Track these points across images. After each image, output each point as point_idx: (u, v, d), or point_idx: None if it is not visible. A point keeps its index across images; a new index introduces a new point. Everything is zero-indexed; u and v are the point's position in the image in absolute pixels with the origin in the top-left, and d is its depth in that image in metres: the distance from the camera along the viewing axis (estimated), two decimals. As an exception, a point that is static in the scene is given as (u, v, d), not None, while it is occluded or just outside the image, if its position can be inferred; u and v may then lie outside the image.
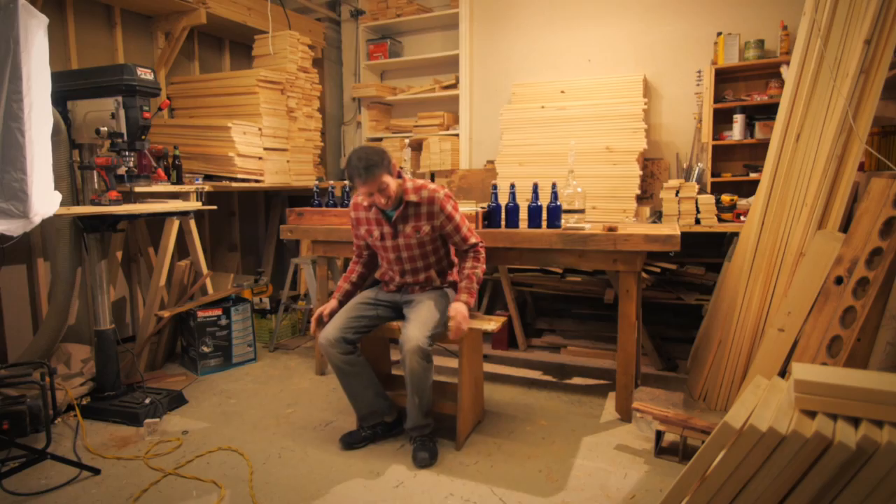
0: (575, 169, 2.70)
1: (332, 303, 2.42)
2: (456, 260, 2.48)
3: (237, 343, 3.38)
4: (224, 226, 4.45)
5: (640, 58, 3.74)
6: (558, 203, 2.72)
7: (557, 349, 3.59)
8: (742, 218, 3.06)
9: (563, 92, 3.73)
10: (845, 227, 2.36)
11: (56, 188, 2.13)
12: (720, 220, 3.14)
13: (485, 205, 2.95)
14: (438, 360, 3.48)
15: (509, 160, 3.73)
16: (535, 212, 2.76)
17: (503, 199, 2.81)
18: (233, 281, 3.75)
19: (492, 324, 2.45)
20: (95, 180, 2.73)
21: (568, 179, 2.68)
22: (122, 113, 2.62)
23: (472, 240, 2.35)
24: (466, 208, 2.89)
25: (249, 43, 4.20)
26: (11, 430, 2.17)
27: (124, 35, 3.69)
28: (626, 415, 2.54)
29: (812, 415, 1.37)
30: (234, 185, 3.58)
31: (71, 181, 2.71)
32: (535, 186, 2.77)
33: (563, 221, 2.69)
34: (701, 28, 3.56)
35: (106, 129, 2.59)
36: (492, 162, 4.05)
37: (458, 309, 2.19)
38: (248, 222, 4.68)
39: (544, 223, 2.76)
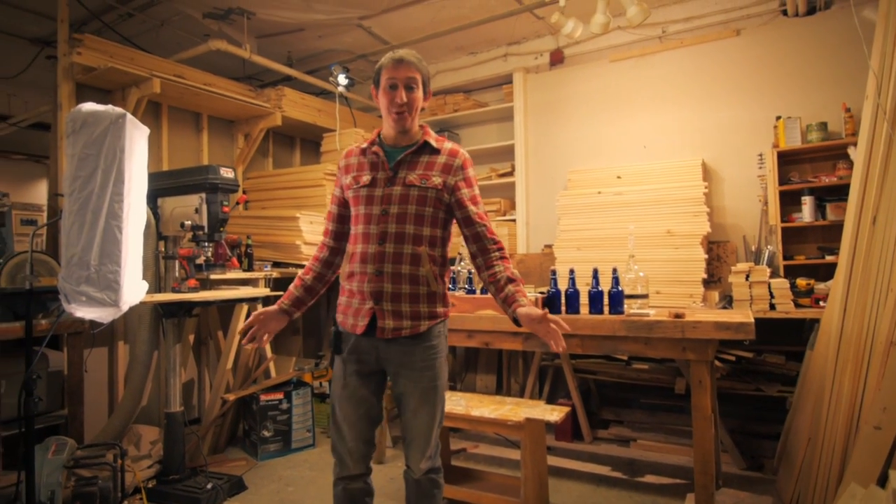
0: (635, 253, 2.67)
1: (271, 309, 1.82)
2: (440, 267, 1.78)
3: (297, 428, 3.38)
4: (289, 310, 4.61)
5: (697, 142, 3.76)
6: (620, 288, 2.67)
7: (626, 442, 3.37)
8: (822, 303, 2.88)
9: (619, 177, 3.77)
10: (942, 314, 2.17)
11: (143, 277, 2.31)
12: (797, 305, 2.97)
13: (544, 290, 2.93)
14: (498, 451, 3.34)
15: (567, 245, 3.74)
16: (596, 297, 2.71)
17: (562, 285, 2.79)
18: (294, 364, 3.82)
19: (555, 413, 2.35)
20: (177, 269, 2.94)
21: (629, 264, 2.64)
22: (204, 208, 2.86)
23: (496, 235, 1.80)
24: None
25: (318, 140, 4.55)
26: (82, 513, 2.22)
27: (209, 137, 4.10)
28: (707, 521, 2.31)
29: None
30: (300, 271, 3.74)
31: (155, 270, 2.93)
32: (596, 271, 2.74)
33: (625, 307, 2.62)
34: (758, 112, 3.56)
35: (190, 222, 2.82)
36: (549, 246, 4.06)
37: (536, 315, 1.57)
38: (310, 307, 4.83)
39: (606, 309, 2.70)
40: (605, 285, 2.70)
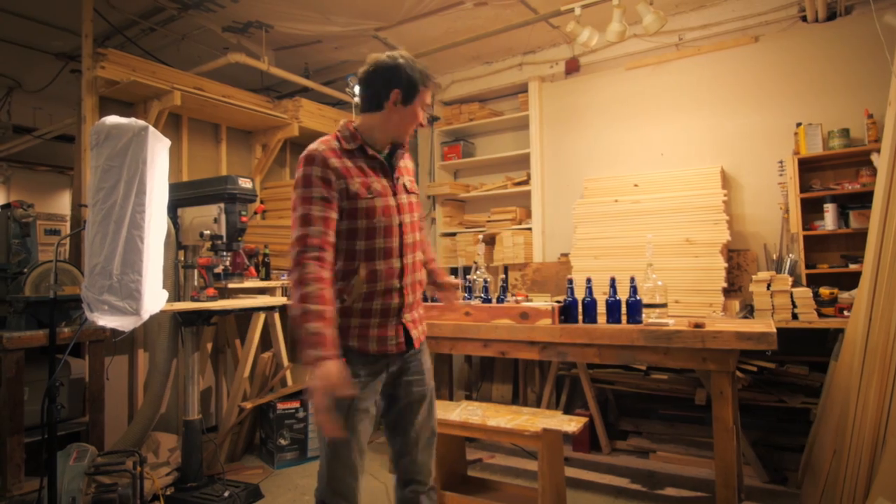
0: (654, 262, 2.64)
1: (341, 366, 1.42)
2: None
3: (313, 436, 3.39)
4: (305, 318, 4.63)
5: (716, 150, 3.72)
6: (638, 297, 2.64)
7: (645, 454, 3.32)
8: (846, 313, 2.82)
9: (636, 185, 3.74)
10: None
11: (163, 286, 2.34)
12: (820, 314, 2.91)
13: (560, 298, 2.91)
14: (514, 462, 3.31)
15: (584, 253, 3.71)
16: (614, 306, 2.68)
17: (579, 294, 2.76)
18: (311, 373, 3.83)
19: (572, 424, 2.33)
20: (196, 277, 2.98)
21: (647, 273, 2.62)
22: (223, 218, 2.90)
23: None
24: (541, 303, 2.87)
25: (335, 150, 4.58)
26: (102, 520, 2.25)
27: (228, 148, 4.16)
28: (729, 536, 2.26)
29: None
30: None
31: (175, 279, 2.97)
32: (613, 280, 2.71)
33: (644, 316, 2.60)
34: (778, 119, 3.52)
35: (209, 232, 2.85)
36: (565, 255, 4.04)
37: (457, 282, 1.87)
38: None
39: (624, 318, 2.67)
40: (623, 294, 2.68)
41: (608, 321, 2.67)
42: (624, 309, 2.67)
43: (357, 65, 4.93)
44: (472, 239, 4.46)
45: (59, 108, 4.85)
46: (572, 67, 4.28)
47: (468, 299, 3.06)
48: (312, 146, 1.57)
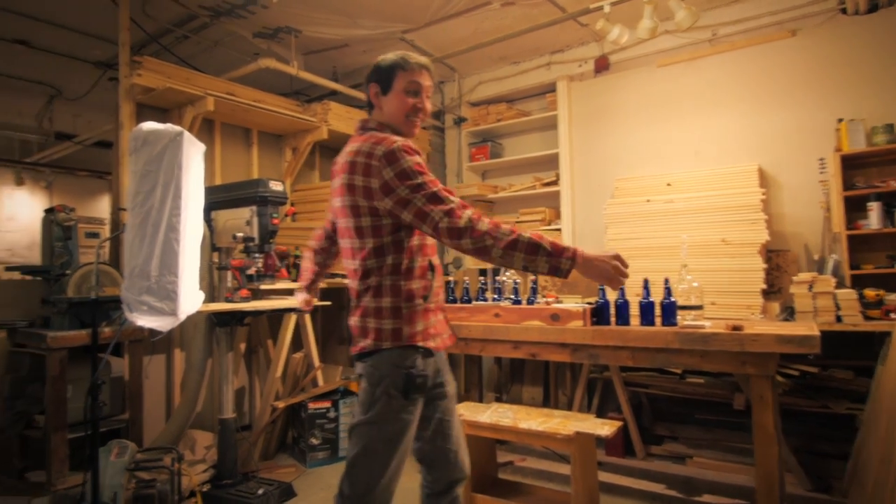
0: (688, 263, 2.58)
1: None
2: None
3: (343, 436, 3.41)
4: (334, 319, 4.67)
5: (753, 147, 3.62)
6: (672, 299, 2.58)
7: (681, 459, 3.24)
8: (892, 315, 2.71)
9: (669, 184, 3.66)
10: None
11: (199, 287, 2.39)
12: (866, 317, 2.80)
13: (592, 300, 2.87)
14: (546, 465, 3.27)
15: (615, 254, 3.65)
16: (647, 308, 2.63)
17: (611, 295, 2.72)
18: (341, 373, 3.87)
19: (606, 428, 2.29)
20: (229, 279, 3.03)
21: (681, 274, 2.56)
22: (255, 220, 2.94)
23: None
24: (573, 304, 2.83)
25: (364, 152, 4.61)
26: (141, 515, 2.30)
27: (259, 151, 4.22)
28: (771, 545, 2.19)
29: None
30: (346, 281, 3.78)
31: (209, 280, 3.02)
32: (646, 282, 2.65)
33: (679, 318, 2.54)
34: (818, 115, 3.40)
35: (241, 234, 2.90)
36: (596, 256, 3.98)
37: None
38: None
39: (657, 320, 2.62)
40: (657, 296, 2.62)
41: (642, 323, 2.62)
42: (658, 311, 2.62)
43: (385, 67, 4.88)
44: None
45: (97, 115, 5.01)
46: (602, 66, 4.22)
47: (497, 300, 3.04)
48: (394, 139, 1.53)
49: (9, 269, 3.34)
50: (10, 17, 3.63)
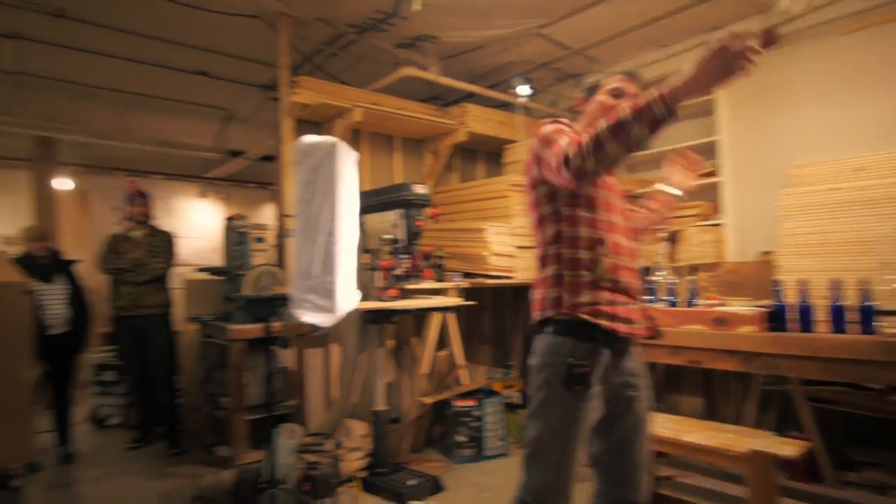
0: (890, 261, 2.18)
1: None
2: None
3: (489, 436, 3.42)
4: (476, 319, 4.71)
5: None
6: (869, 302, 2.20)
7: (884, 490, 2.76)
8: None
9: (860, 169, 3.14)
10: None
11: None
12: None
13: (763, 303, 2.55)
14: (712, 484, 2.98)
15: (793, 251, 3.20)
16: (837, 313, 2.27)
17: (789, 297, 2.39)
18: (485, 373, 3.88)
19: (789, 448, 2.01)
20: (379, 279, 3.18)
21: (881, 273, 2.17)
22: (401, 223, 3.06)
23: None
24: (742, 307, 2.54)
25: (499, 152, 4.61)
26: (310, 493, 2.51)
27: (401, 157, 4.40)
28: None
29: None
30: (489, 281, 3.80)
31: (362, 280, 3.20)
32: (835, 283, 2.29)
33: (878, 325, 2.15)
34: None
35: (389, 236, 3.03)
36: (766, 253, 3.54)
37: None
38: (497, 316, 4.89)
39: (850, 327, 2.24)
40: (848, 299, 2.25)
41: (831, 330, 2.27)
42: (852, 316, 2.24)
43: (521, 64, 4.90)
44: (652, 237, 4.13)
45: (262, 132, 5.59)
46: (769, 40, 3.75)
47: (651, 302, 2.83)
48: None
49: (199, 270, 3.85)
50: (192, 52, 4.18)
